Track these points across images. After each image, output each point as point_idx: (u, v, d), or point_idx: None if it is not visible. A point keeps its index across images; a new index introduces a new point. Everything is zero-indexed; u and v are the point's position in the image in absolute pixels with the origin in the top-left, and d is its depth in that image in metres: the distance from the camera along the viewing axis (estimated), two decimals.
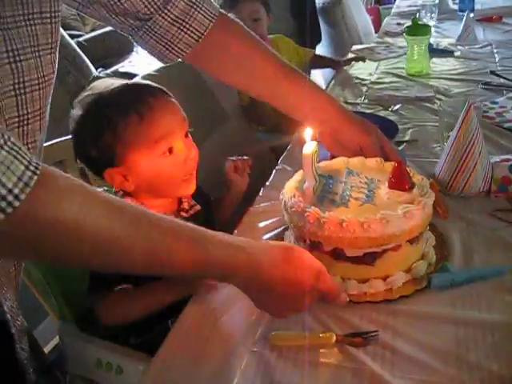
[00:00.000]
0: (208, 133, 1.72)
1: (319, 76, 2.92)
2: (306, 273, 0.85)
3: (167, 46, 1.10)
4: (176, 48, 1.10)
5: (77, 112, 1.09)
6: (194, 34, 1.09)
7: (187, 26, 1.08)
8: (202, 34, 1.10)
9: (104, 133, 1.06)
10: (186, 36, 1.09)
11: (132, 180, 1.10)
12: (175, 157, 1.09)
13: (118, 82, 1.12)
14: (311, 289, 0.86)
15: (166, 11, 1.06)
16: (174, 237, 0.77)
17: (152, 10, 1.05)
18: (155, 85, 1.14)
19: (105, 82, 1.13)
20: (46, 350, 1.48)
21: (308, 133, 1.00)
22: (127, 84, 1.11)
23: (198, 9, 1.08)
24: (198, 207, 1.21)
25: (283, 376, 0.84)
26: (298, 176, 1.09)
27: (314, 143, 1.00)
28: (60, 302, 1.30)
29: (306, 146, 1.00)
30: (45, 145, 1.39)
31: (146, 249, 0.74)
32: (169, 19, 1.07)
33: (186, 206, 1.20)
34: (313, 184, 1.03)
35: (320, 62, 2.51)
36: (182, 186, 1.14)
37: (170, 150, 1.09)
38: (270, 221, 1.22)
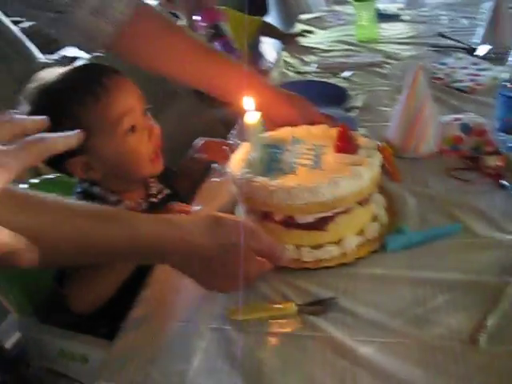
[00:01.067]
0: (159, 112, 1.68)
1: (270, 45, 2.90)
2: (239, 235, 0.83)
3: (88, 37, 1.06)
4: (96, 38, 1.07)
5: (25, 108, 1.05)
6: (113, 23, 1.05)
7: (106, 15, 1.04)
8: (122, 23, 1.06)
9: (61, 121, 1.01)
10: (106, 25, 1.05)
11: (97, 167, 1.07)
12: (139, 134, 1.07)
13: (63, 69, 1.08)
14: (249, 251, 0.85)
15: (83, 2, 1.02)
16: (98, 219, 0.75)
17: (69, 1, 1.01)
18: (105, 65, 1.11)
19: (48, 72, 1.09)
20: (8, 345, 1.45)
21: (248, 103, 0.98)
22: (76, 68, 1.08)
23: None
24: (167, 191, 1.19)
25: (245, 350, 0.83)
26: (244, 148, 1.08)
27: (258, 113, 0.99)
28: (17, 294, 1.27)
29: (248, 116, 0.98)
30: None
31: (73, 238, 0.72)
32: (87, 9, 1.03)
33: (154, 190, 1.17)
34: (259, 154, 1.02)
35: (269, 31, 2.50)
36: (149, 165, 1.12)
37: (133, 128, 1.06)
38: (222, 196, 1.20)
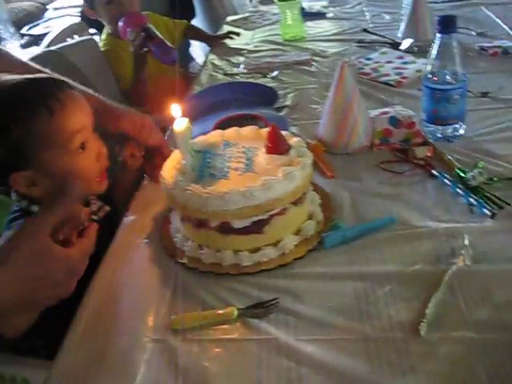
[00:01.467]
0: None
1: (197, 48, 2.89)
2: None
3: None
4: None
5: None
6: None
7: None
8: None
9: (10, 132, 0.97)
10: None
11: (41, 183, 1.02)
12: (88, 153, 1.04)
13: (12, 77, 1.03)
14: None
15: None
16: None
17: None
18: (59, 77, 1.07)
19: None
20: None
21: (176, 109, 0.97)
22: (28, 78, 1.03)
23: None
24: (107, 208, 1.15)
25: (189, 359, 0.82)
26: (175, 155, 1.06)
27: (185, 119, 0.97)
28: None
29: (177, 123, 0.97)
30: None
31: None
32: None
33: (94, 208, 1.14)
34: (190, 161, 1.01)
35: (195, 34, 2.48)
36: (95, 185, 1.09)
37: (83, 146, 1.02)
38: (154, 203, 1.19)
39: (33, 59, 1.74)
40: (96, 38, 2.61)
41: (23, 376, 1.11)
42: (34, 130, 0.97)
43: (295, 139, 1.04)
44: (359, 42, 2.01)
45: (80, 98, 1.05)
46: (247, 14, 2.67)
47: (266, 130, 1.06)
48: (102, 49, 2.15)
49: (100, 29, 2.36)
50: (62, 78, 1.08)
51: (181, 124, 0.96)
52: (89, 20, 2.45)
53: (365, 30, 2.12)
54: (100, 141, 1.08)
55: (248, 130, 1.11)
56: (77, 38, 2.24)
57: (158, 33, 1.92)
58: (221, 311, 0.88)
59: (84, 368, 0.84)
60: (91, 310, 0.95)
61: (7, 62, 1.18)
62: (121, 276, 1.01)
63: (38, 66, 1.19)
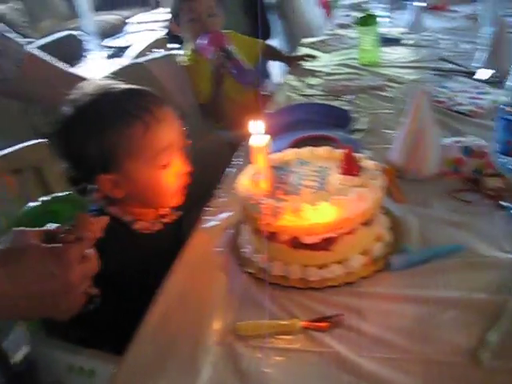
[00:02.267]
0: None
1: (277, 68, 2.94)
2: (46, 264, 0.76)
3: None
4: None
5: (69, 110, 1.07)
6: (14, 60, 1.20)
7: (6, 54, 1.19)
8: (22, 60, 1.20)
9: (105, 136, 1.04)
10: (8, 64, 1.19)
11: (123, 188, 1.09)
12: (171, 171, 1.10)
13: (112, 83, 1.11)
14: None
15: None
16: None
17: None
18: (155, 93, 1.13)
19: (99, 83, 1.11)
20: (17, 358, 1.46)
21: (255, 126, 1.01)
22: (129, 89, 1.10)
23: (11, 40, 1.21)
24: (179, 212, 1.21)
25: (251, 364, 0.85)
26: (250, 169, 1.11)
27: (266, 136, 1.01)
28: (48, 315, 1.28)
29: (255, 138, 1.01)
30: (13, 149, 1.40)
31: None
32: None
33: (165, 211, 1.19)
34: (265, 175, 1.05)
35: (273, 54, 2.53)
36: (170, 199, 1.14)
37: (167, 164, 1.09)
38: (227, 213, 1.24)
39: (120, 70, 1.84)
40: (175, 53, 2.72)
41: (90, 367, 1.17)
42: (127, 143, 1.04)
43: (369, 162, 1.07)
44: (435, 69, 2.02)
45: (172, 115, 1.11)
46: (325, 37, 2.70)
47: (340, 151, 1.09)
48: (185, 64, 2.22)
49: (181, 44, 2.45)
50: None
51: (259, 140, 1.01)
52: (171, 36, 2.55)
53: (442, 59, 2.12)
54: (184, 159, 1.13)
55: (323, 150, 1.15)
56: (159, 53, 2.33)
57: (237, 54, 1.98)
58: (285, 322, 0.91)
59: (151, 363, 0.89)
60: (162, 309, 1.00)
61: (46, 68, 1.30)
62: (191, 281, 1.06)
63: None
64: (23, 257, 0.75)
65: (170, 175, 1.10)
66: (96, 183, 1.09)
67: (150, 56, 2.16)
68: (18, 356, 1.44)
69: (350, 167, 1.03)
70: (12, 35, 1.25)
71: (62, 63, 1.33)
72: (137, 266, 1.09)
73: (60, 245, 0.77)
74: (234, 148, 1.68)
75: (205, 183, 1.42)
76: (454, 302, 0.91)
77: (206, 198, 1.34)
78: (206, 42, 2.00)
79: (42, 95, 1.29)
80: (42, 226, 0.82)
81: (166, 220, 1.18)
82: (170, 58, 2.15)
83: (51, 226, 0.84)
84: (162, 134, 1.07)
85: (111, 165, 1.06)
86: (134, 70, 1.91)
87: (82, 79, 1.32)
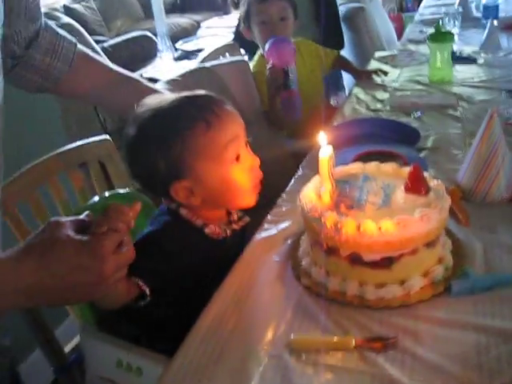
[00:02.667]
0: None
1: (345, 79, 2.91)
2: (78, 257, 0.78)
3: (44, 76, 1.20)
4: (52, 76, 1.21)
5: (131, 130, 1.08)
6: (66, 60, 1.21)
7: (58, 54, 1.20)
8: (72, 60, 1.22)
9: (171, 145, 1.05)
10: (59, 63, 1.20)
11: (198, 193, 1.08)
12: (242, 164, 1.09)
13: (172, 96, 1.12)
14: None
15: (36, 45, 1.16)
16: None
17: (24, 46, 1.14)
18: (215, 95, 1.14)
19: (157, 97, 1.12)
20: (67, 349, 1.49)
21: (323, 137, 1.00)
22: (187, 96, 1.11)
23: (62, 39, 1.21)
24: (247, 219, 1.21)
25: (302, 379, 0.84)
26: (315, 181, 1.10)
27: (330, 148, 1.00)
28: (82, 303, 1.31)
29: (322, 150, 1.00)
30: (68, 147, 1.44)
31: None
32: (41, 51, 1.17)
33: (235, 217, 1.20)
34: (329, 189, 1.03)
35: (344, 66, 2.49)
36: (248, 196, 1.14)
37: (237, 158, 1.08)
38: (288, 223, 1.24)
39: (189, 73, 1.87)
40: (245, 59, 2.73)
41: (138, 365, 1.18)
42: (193, 143, 1.05)
43: (435, 182, 1.05)
44: (509, 91, 1.96)
45: (234, 111, 1.11)
46: (396, 52, 2.67)
47: (406, 169, 1.07)
48: (253, 69, 2.22)
49: (251, 51, 2.46)
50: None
51: (326, 151, 1.00)
52: (241, 41, 2.55)
53: None
54: (253, 155, 1.13)
55: (389, 166, 1.13)
56: (229, 58, 2.35)
57: (295, 82, 1.95)
58: (339, 338, 0.89)
59: (200, 367, 0.89)
60: (215, 314, 1.00)
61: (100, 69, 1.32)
62: (246, 288, 1.05)
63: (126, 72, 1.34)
64: (56, 248, 0.77)
65: (242, 170, 1.10)
66: (171, 194, 1.09)
67: (219, 61, 2.17)
68: (68, 346, 1.48)
69: (416, 186, 1.01)
70: (85, 33, 1.28)
71: (115, 65, 1.35)
72: (201, 270, 1.09)
73: (93, 237, 0.79)
74: (298, 158, 1.67)
75: (267, 192, 1.42)
76: None
77: (268, 207, 1.33)
78: (270, 48, 1.96)
79: (95, 95, 1.31)
80: None
81: (235, 226, 1.18)
82: (238, 63, 2.16)
83: (87, 215, 0.86)
84: (225, 128, 1.07)
85: (182, 172, 1.06)
86: (201, 74, 1.93)
87: (135, 80, 1.35)
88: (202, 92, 1.14)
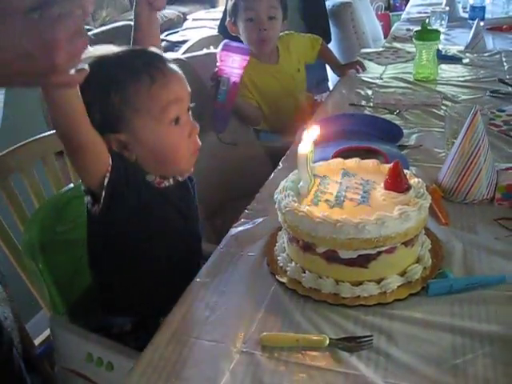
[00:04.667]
0: (204, 130, 1.67)
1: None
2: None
3: None
4: None
5: None
6: None
7: None
8: None
9: (111, 94, 1.02)
10: None
11: (133, 149, 1.05)
12: (181, 128, 1.07)
13: (120, 48, 1.08)
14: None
15: None
16: None
17: None
18: (161, 54, 1.12)
19: (106, 47, 1.08)
20: (37, 341, 1.46)
21: (308, 133, 0.98)
22: (134, 49, 1.09)
23: None
24: (191, 169, 1.17)
25: (273, 378, 0.82)
26: (293, 176, 1.08)
27: (310, 143, 0.98)
28: (52, 292, 1.28)
29: (302, 145, 0.98)
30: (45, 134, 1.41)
31: None
32: None
33: None
34: (308, 184, 1.01)
35: (327, 58, 2.41)
36: (183, 162, 1.11)
37: (177, 121, 1.06)
38: (264, 218, 1.21)
39: None
40: None
41: (109, 360, 1.15)
42: (134, 98, 1.01)
43: (416, 180, 1.03)
44: (493, 91, 1.95)
45: (180, 74, 1.09)
46: (381, 49, 2.66)
47: (387, 166, 1.05)
48: None
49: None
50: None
51: (305, 147, 0.97)
52: (226, 33, 2.50)
53: (501, 81, 2.05)
54: (194, 121, 1.10)
55: (369, 162, 1.11)
56: (207, 50, 2.31)
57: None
58: (313, 337, 0.87)
59: (170, 363, 0.86)
60: (186, 308, 0.98)
61: None
62: (220, 283, 1.03)
63: None
64: (5, 24, 0.66)
65: (181, 134, 1.07)
66: (105, 141, 1.03)
67: (196, 53, 2.13)
68: (38, 339, 1.45)
69: (396, 183, 0.99)
70: None
71: None
72: (146, 217, 1.09)
73: (44, 20, 0.67)
74: (276, 153, 1.64)
75: (242, 186, 1.39)
76: (493, 337, 0.86)
77: (244, 202, 1.31)
78: (222, 51, 1.79)
79: None
80: None
81: (178, 177, 1.15)
82: (214, 55, 2.12)
83: None
84: (169, 87, 1.04)
85: (118, 124, 1.03)
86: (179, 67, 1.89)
87: None
88: (150, 49, 1.11)
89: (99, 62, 1.02)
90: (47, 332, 1.45)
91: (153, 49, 1.11)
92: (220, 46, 1.81)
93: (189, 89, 1.09)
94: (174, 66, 1.08)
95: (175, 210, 1.14)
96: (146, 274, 1.13)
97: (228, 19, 2.14)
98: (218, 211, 1.86)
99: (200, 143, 1.12)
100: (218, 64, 1.80)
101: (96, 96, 1.00)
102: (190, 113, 1.10)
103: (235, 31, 2.13)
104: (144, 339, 0.94)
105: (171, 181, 1.12)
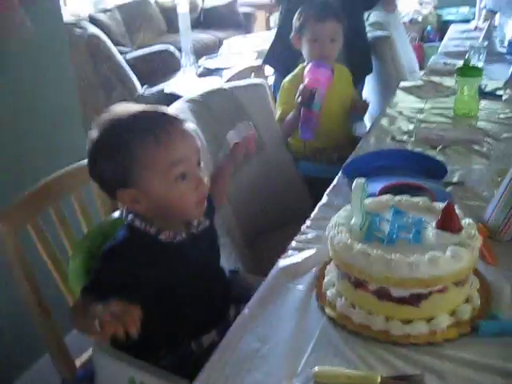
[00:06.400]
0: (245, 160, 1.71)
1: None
2: None
3: None
4: None
5: (94, 133, 1.12)
6: None
7: None
8: None
9: (120, 154, 1.09)
10: None
11: (143, 202, 1.12)
12: (188, 182, 1.12)
13: (135, 107, 1.15)
14: None
15: None
16: None
17: None
18: (172, 113, 1.17)
19: (123, 107, 1.15)
20: (79, 361, 1.47)
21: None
22: (144, 110, 1.14)
23: None
24: (207, 223, 1.22)
25: None
26: (344, 211, 1.10)
27: (363, 179, 1.00)
28: None
29: (356, 181, 1.00)
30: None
31: None
32: None
33: (195, 223, 1.20)
34: (360, 221, 1.03)
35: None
36: (190, 211, 1.16)
37: (183, 176, 1.11)
38: (312, 251, 1.22)
39: (208, 93, 1.89)
40: (270, 79, 2.75)
41: None
42: (140, 157, 1.08)
43: (467, 220, 1.04)
44: None
45: (190, 134, 1.14)
46: (420, 83, 2.66)
47: (437, 204, 1.06)
48: (288, 78, 2.29)
49: (282, 71, 2.48)
50: (177, 115, 1.17)
51: (359, 183, 0.99)
52: (274, 60, 2.60)
53: None
54: (203, 173, 1.15)
55: (420, 200, 1.12)
56: (249, 80, 2.35)
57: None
58: (364, 374, 0.88)
59: None
60: (237, 339, 0.99)
61: None
62: (269, 316, 1.05)
63: None
64: None
65: (187, 188, 1.12)
66: (118, 199, 1.13)
67: (238, 82, 2.17)
68: (79, 360, 1.46)
69: (450, 223, 1.00)
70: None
71: None
72: (164, 275, 1.14)
73: None
74: (313, 183, 1.66)
75: (278, 214, 1.40)
76: None
77: (283, 231, 1.32)
78: (310, 69, 2.05)
79: None
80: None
81: (193, 230, 1.19)
82: (256, 86, 2.16)
83: None
84: (174, 147, 1.09)
85: (128, 180, 1.10)
86: (220, 95, 1.96)
87: None
88: (161, 108, 1.17)
89: (112, 124, 1.11)
90: (86, 354, 1.47)
91: (164, 108, 1.17)
92: (311, 64, 2.13)
93: (198, 145, 1.15)
94: (182, 125, 1.13)
95: (192, 261, 1.20)
96: (171, 312, 1.17)
97: (294, 33, 2.29)
98: (256, 240, 1.89)
99: (207, 192, 1.17)
100: (306, 79, 2.09)
101: (108, 156, 1.10)
102: (202, 164, 1.16)
103: (298, 45, 2.29)
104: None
105: (183, 234, 1.18)
